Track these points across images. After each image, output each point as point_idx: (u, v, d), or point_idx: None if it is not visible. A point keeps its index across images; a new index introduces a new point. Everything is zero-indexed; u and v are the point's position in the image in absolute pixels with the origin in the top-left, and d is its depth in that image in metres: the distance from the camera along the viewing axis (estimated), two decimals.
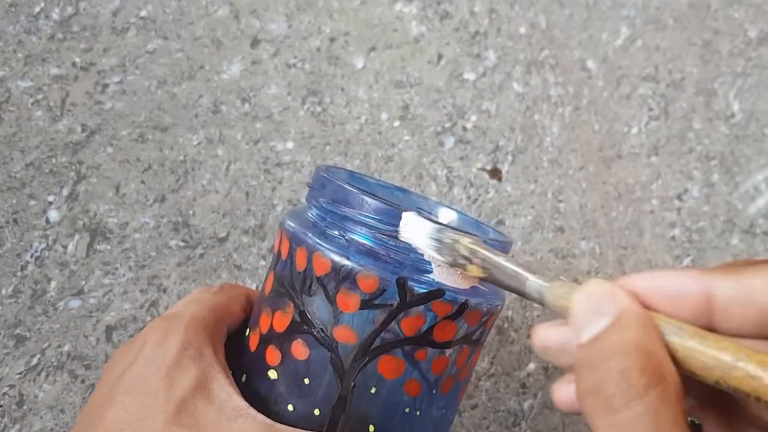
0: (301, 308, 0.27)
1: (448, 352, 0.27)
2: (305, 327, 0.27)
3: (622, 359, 0.19)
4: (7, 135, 0.41)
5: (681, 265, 0.46)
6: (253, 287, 0.42)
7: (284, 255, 0.28)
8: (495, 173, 0.46)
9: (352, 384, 0.26)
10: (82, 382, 0.38)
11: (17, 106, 0.42)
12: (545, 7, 0.51)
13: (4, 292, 0.38)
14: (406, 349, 0.27)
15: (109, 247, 0.40)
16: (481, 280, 0.25)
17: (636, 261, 0.45)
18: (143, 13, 0.45)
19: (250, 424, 0.25)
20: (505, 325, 0.43)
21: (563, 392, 0.22)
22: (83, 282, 0.39)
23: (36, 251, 0.39)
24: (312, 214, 0.29)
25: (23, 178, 0.41)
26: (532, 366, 0.42)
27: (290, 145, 0.44)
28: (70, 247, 0.40)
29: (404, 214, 0.26)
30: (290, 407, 0.27)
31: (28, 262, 0.39)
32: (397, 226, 0.26)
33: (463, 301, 0.27)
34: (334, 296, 0.26)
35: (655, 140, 0.48)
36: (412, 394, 0.27)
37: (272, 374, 0.27)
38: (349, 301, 0.26)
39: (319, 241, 0.27)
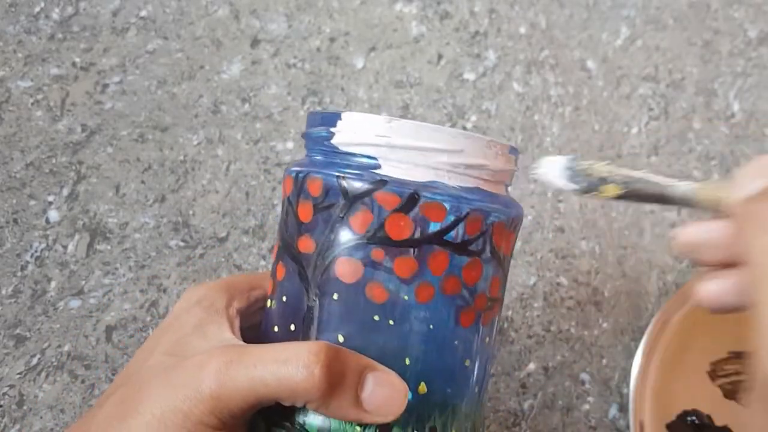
0: (282, 232, 0.28)
1: (412, 251, 0.26)
2: (283, 248, 0.28)
3: None
4: (7, 135, 0.41)
5: (681, 266, 0.46)
6: None
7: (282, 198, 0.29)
8: None
9: (316, 292, 0.27)
10: (82, 382, 0.38)
11: (17, 106, 0.42)
12: (545, 7, 0.51)
13: (4, 292, 0.38)
14: (361, 249, 0.26)
15: (109, 247, 0.40)
16: (618, 198, 0.26)
17: (636, 261, 0.45)
18: (143, 13, 0.45)
19: (223, 346, 0.26)
20: (505, 325, 0.43)
21: (712, 288, 0.24)
22: (83, 282, 0.39)
23: (36, 251, 0.39)
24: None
25: (23, 178, 0.41)
26: (532, 366, 0.42)
27: (290, 145, 0.44)
28: (70, 247, 0.40)
29: (543, 159, 0.28)
30: (275, 328, 0.28)
31: (28, 262, 0.39)
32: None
33: (411, 191, 0.26)
34: (296, 209, 0.27)
35: (655, 140, 0.48)
36: (377, 299, 0.26)
37: (268, 304, 0.29)
38: (306, 209, 0.27)
39: (292, 167, 0.28)
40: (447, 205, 0.26)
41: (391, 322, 0.26)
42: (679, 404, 0.40)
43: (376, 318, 0.26)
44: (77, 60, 0.43)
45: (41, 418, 0.37)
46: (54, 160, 0.41)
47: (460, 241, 0.26)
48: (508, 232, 0.28)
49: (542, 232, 0.45)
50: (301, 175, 0.27)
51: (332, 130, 0.28)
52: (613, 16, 0.51)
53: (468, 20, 0.49)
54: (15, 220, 0.40)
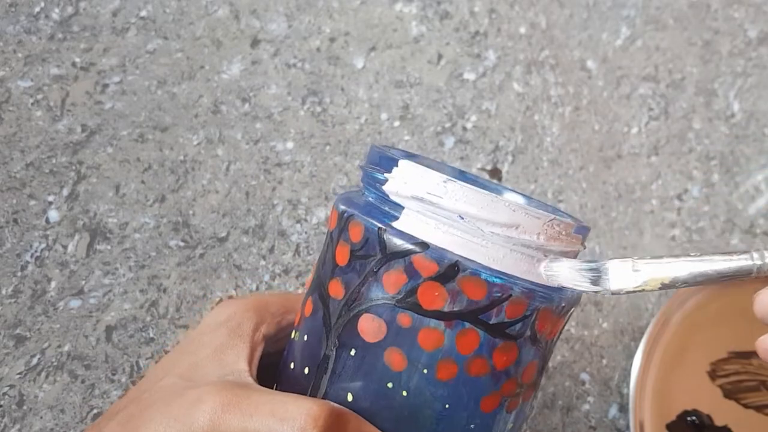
0: (318, 267, 0.27)
1: (440, 325, 0.24)
2: (315, 285, 0.27)
3: None
4: (7, 135, 0.41)
5: None
6: (253, 287, 0.42)
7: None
8: (495, 173, 0.46)
9: (335, 342, 0.25)
10: (82, 382, 0.38)
11: (17, 106, 0.42)
12: (545, 7, 0.51)
13: (4, 292, 0.38)
14: (388, 310, 0.24)
15: (109, 247, 0.40)
16: (668, 288, 0.24)
17: None
18: (143, 13, 0.45)
19: (227, 382, 0.25)
20: None
21: None
22: (83, 282, 0.39)
23: (36, 251, 0.39)
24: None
25: (23, 178, 0.41)
26: None
27: (290, 145, 0.44)
28: (70, 247, 0.40)
29: (610, 264, 0.24)
30: (292, 365, 0.27)
31: (28, 262, 0.39)
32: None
33: (452, 262, 0.24)
34: (335, 249, 0.26)
35: (655, 140, 0.48)
36: (395, 366, 0.24)
37: (293, 335, 0.28)
38: (343, 252, 0.25)
39: (340, 202, 0.27)
40: (489, 283, 0.24)
41: (405, 393, 0.24)
42: (679, 404, 0.40)
43: (390, 385, 0.24)
44: (77, 60, 0.43)
45: (41, 418, 0.37)
46: (54, 160, 0.41)
47: (496, 322, 0.24)
48: (555, 317, 0.26)
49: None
50: (345, 215, 0.26)
51: (386, 175, 0.25)
52: (613, 16, 0.51)
53: (468, 20, 0.49)
54: (15, 220, 0.40)
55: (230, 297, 0.35)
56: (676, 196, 0.47)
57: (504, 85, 0.48)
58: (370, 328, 0.24)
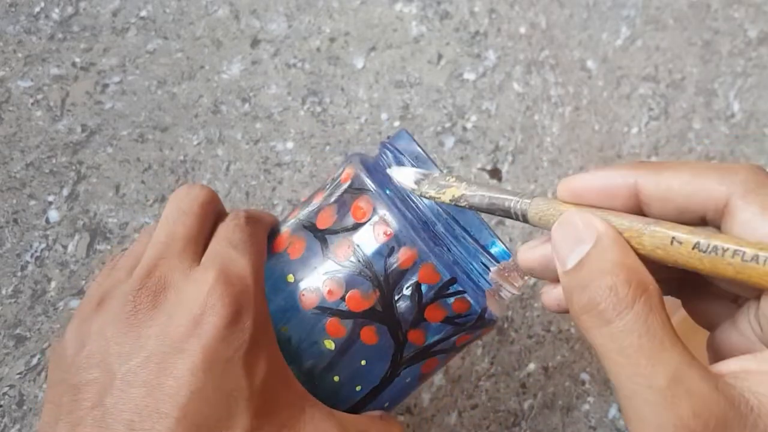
0: (389, 302, 0.27)
1: (456, 354, 0.30)
2: (384, 319, 0.27)
3: (608, 277, 0.20)
4: (7, 135, 0.41)
5: None
6: None
7: (378, 240, 0.27)
8: (495, 173, 0.46)
9: (398, 373, 0.28)
10: None
11: (17, 106, 0.42)
12: (545, 7, 0.51)
13: (4, 292, 0.38)
14: (447, 354, 0.29)
15: (109, 247, 0.40)
16: (460, 206, 0.25)
17: None
18: (143, 13, 0.45)
19: (319, 416, 0.25)
20: (505, 325, 0.43)
21: (551, 296, 0.25)
22: (83, 282, 0.39)
23: (36, 251, 0.39)
24: (418, 201, 0.28)
25: (23, 178, 0.41)
26: (532, 366, 0.42)
27: (290, 145, 0.44)
28: (70, 247, 0.40)
29: (393, 169, 0.28)
30: (336, 378, 0.28)
31: (28, 262, 0.39)
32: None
33: (496, 324, 0.29)
34: (426, 305, 0.27)
35: (655, 140, 0.48)
36: (421, 382, 0.30)
37: (329, 344, 0.27)
38: (437, 314, 0.27)
39: (434, 253, 0.27)
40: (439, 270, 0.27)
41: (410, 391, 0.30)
42: None
43: (411, 393, 0.31)
44: (77, 60, 0.43)
45: (41, 418, 0.37)
46: (54, 160, 0.41)
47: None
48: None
49: (542, 231, 0.45)
50: (452, 290, 0.27)
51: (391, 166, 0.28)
52: (613, 16, 0.51)
53: (468, 20, 0.49)
54: (15, 220, 0.40)
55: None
56: None
57: (504, 85, 0.48)
58: (430, 366, 0.29)
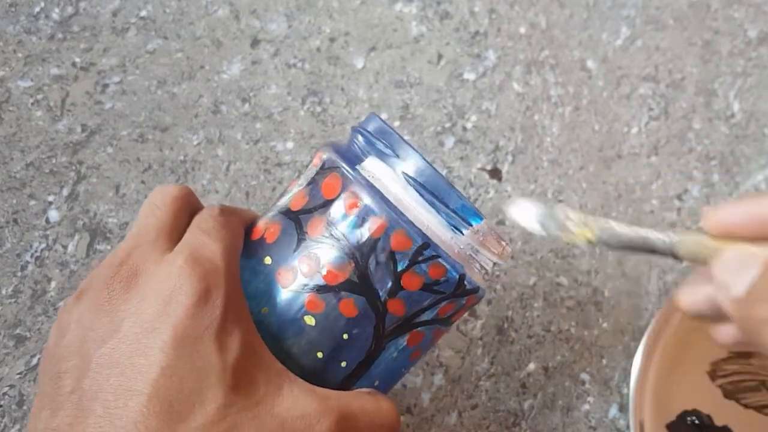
0: (364, 272, 0.27)
1: (446, 329, 0.31)
2: (361, 290, 0.27)
3: None
4: (7, 135, 0.41)
5: (681, 266, 0.46)
6: None
7: (350, 212, 0.27)
8: (495, 173, 0.46)
9: (383, 347, 0.28)
10: None
11: (17, 106, 0.42)
12: (545, 7, 0.51)
13: (4, 292, 0.38)
14: (432, 326, 0.29)
15: (109, 247, 0.40)
16: (593, 244, 0.27)
17: (636, 261, 0.45)
18: (143, 13, 0.45)
19: (298, 391, 0.25)
20: (505, 325, 0.43)
21: (724, 333, 0.26)
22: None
23: (36, 251, 0.39)
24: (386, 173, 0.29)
25: (23, 178, 0.41)
26: (532, 366, 0.42)
27: (290, 145, 0.44)
28: (70, 247, 0.40)
29: (516, 201, 0.29)
30: (320, 354, 0.28)
31: (28, 262, 0.39)
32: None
33: (483, 294, 0.30)
34: (402, 273, 0.27)
35: (655, 140, 0.48)
36: (412, 359, 0.30)
37: (309, 320, 0.27)
38: (414, 281, 0.27)
39: (406, 220, 0.27)
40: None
41: (403, 371, 0.31)
42: (679, 404, 0.40)
43: (403, 371, 0.30)
44: (77, 60, 0.43)
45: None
46: (54, 160, 0.41)
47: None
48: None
49: None
50: (426, 254, 0.28)
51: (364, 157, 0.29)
52: (613, 16, 0.51)
53: (468, 20, 0.49)
54: (15, 220, 0.40)
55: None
56: (676, 196, 0.47)
57: (504, 85, 0.48)
58: (415, 339, 0.29)
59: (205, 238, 0.26)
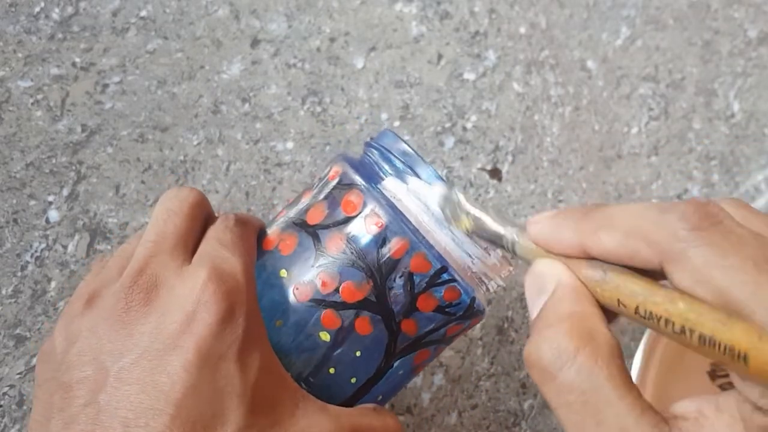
0: (382, 291, 0.27)
1: (447, 346, 0.31)
2: (378, 309, 0.27)
3: (552, 330, 0.20)
4: (7, 135, 0.41)
5: None
6: None
7: (371, 231, 0.27)
8: (495, 173, 0.46)
9: (392, 365, 0.29)
10: None
11: (17, 106, 0.42)
12: (545, 7, 0.51)
13: (4, 292, 0.38)
14: (438, 345, 0.30)
15: (109, 247, 0.40)
16: (471, 234, 0.27)
17: None
18: (143, 13, 0.45)
19: (312, 410, 0.25)
20: (505, 325, 0.43)
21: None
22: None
23: (36, 251, 0.39)
24: (409, 197, 0.29)
25: (23, 178, 0.41)
26: None
27: (290, 145, 0.44)
28: (70, 247, 0.40)
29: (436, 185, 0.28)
30: (332, 370, 0.28)
31: (28, 262, 0.39)
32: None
33: (485, 316, 0.30)
34: (418, 294, 0.28)
35: (655, 140, 0.48)
36: (415, 374, 0.31)
37: (324, 336, 0.27)
38: (429, 303, 0.28)
39: (426, 243, 0.27)
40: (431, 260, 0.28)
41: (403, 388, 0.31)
42: None
43: (404, 387, 0.32)
44: (77, 60, 0.43)
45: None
46: (54, 160, 0.41)
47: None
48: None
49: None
50: (443, 278, 0.28)
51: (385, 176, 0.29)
52: (613, 16, 0.51)
53: (468, 20, 0.49)
54: (15, 220, 0.40)
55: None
56: (676, 196, 0.47)
57: (504, 85, 0.48)
58: (421, 357, 0.30)
59: (225, 252, 0.26)
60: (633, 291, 0.20)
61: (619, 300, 0.20)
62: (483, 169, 0.46)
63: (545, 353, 0.20)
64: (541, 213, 0.23)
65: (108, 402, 0.22)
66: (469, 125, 0.47)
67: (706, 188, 0.48)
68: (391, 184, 0.29)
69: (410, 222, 0.28)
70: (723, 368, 0.42)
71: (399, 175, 0.29)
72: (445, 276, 0.27)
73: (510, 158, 0.46)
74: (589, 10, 0.51)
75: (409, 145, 0.29)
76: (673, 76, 0.50)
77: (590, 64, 0.50)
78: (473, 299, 0.28)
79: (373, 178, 0.29)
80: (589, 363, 0.19)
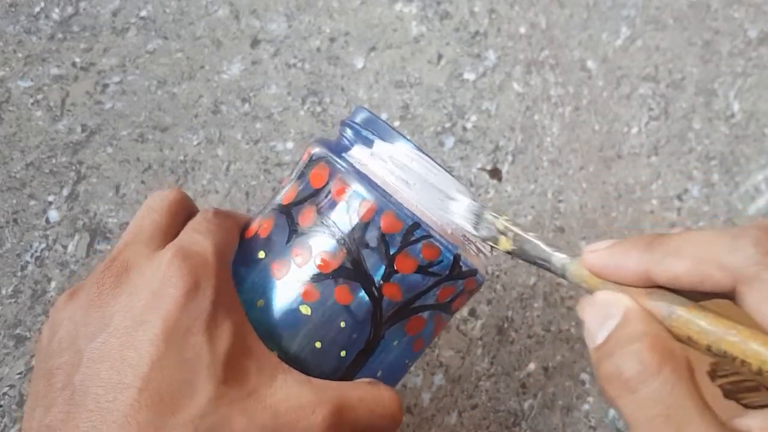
0: (357, 258, 0.27)
1: (448, 318, 0.30)
2: (355, 276, 0.27)
3: (634, 344, 0.20)
4: (7, 135, 0.41)
5: None
6: None
7: (339, 198, 0.27)
8: (495, 173, 0.46)
9: (382, 335, 0.28)
10: None
11: (17, 106, 0.42)
12: (545, 7, 0.51)
13: (4, 292, 0.38)
14: (432, 313, 0.29)
15: (109, 247, 0.40)
16: (509, 253, 0.27)
17: None
18: (143, 13, 0.45)
19: (292, 382, 0.25)
20: (505, 325, 0.43)
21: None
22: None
23: (36, 251, 0.39)
24: (373, 160, 0.29)
25: (23, 178, 0.41)
26: (532, 366, 0.42)
27: (290, 145, 0.44)
28: (70, 247, 0.40)
29: (452, 193, 0.28)
30: (318, 344, 0.27)
31: (28, 262, 0.39)
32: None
33: (483, 280, 0.29)
34: (395, 255, 0.27)
35: (655, 140, 0.48)
36: (415, 349, 0.30)
37: (305, 310, 0.27)
38: (408, 263, 0.27)
39: (395, 202, 0.27)
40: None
41: (408, 363, 0.30)
42: None
43: (407, 362, 0.30)
44: (77, 60, 0.43)
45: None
46: (54, 160, 0.41)
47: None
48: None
49: (542, 232, 0.45)
50: (417, 234, 0.28)
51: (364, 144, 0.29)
52: (613, 16, 0.51)
53: (468, 20, 0.49)
54: (15, 220, 0.40)
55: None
56: (676, 196, 0.47)
57: (504, 85, 0.48)
58: (415, 325, 0.29)
59: (196, 235, 0.27)
60: (703, 329, 0.20)
61: (689, 337, 0.21)
62: (483, 169, 0.46)
63: (627, 368, 0.20)
64: (597, 242, 0.24)
65: (82, 382, 0.23)
66: (469, 125, 0.47)
67: (706, 188, 0.48)
68: (356, 152, 0.29)
69: (377, 184, 0.27)
70: (723, 368, 0.42)
71: (366, 143, 0.29)
72: (419, 233, 0.27)
73: (510, 158, 0.46)
74: (589, 10, 0.51)
75: (376, 115, 0.29)
76: (673, 76, 0.50)
77: (590, 64, 0.50)
78: (457, 256, 0.28)
79: (341, 150, 0.29)
80: (674, 377, 0.20)
